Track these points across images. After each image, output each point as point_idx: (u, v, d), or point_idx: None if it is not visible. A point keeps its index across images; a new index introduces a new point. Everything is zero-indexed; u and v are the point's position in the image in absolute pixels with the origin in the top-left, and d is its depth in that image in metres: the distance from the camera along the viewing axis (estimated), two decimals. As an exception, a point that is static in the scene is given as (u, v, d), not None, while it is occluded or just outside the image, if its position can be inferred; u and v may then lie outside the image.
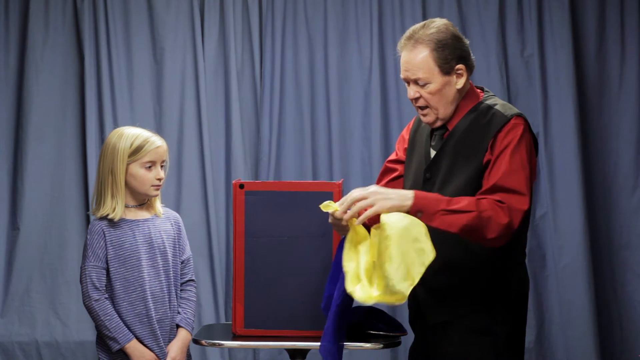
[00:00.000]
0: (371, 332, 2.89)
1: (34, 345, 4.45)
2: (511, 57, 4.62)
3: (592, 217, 4.57)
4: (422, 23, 2.76)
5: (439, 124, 2.76)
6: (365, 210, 2.56)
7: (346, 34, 4.62)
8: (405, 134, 2.94)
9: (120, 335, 2.96)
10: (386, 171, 2.97)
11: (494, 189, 2.59)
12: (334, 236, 2.84)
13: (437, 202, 2.57)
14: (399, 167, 2.93)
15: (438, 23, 2.73)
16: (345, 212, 2.59)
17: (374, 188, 2.59)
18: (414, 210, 2.56)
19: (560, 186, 4.55)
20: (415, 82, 2.70)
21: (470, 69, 2.75)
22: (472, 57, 2.76)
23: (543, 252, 4.57)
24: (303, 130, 4.61)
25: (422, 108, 2.74)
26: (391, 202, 2.55)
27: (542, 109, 4.58)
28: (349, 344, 2.77)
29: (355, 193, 2.58)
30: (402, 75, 2.74)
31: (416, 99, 2.73)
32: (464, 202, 2.56)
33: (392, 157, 2.97)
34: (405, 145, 2.92)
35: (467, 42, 2.75)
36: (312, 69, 4.62)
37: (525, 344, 4.42)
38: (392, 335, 2.86)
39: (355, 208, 2.57)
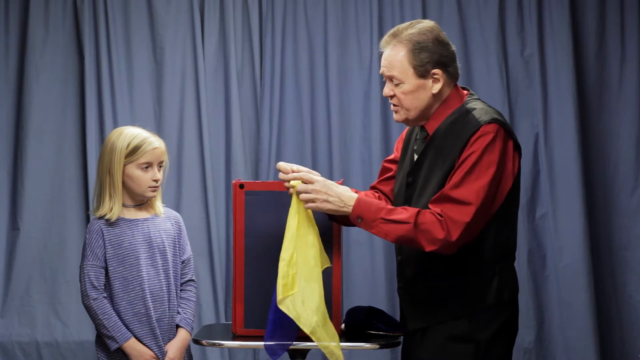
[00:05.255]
0: (371, 332, 2.89)
1: (34, 345, 4.45)
2: (511, 57, 4.62)
3: (592, 217, 4.57)
4: (409, 22, 2.74)
5: (410, 124, 2.77)
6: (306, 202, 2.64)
7: (346, 34, 4.62)
8: (404, 134, 2.95)
9: (119, 334, 2.96)
10: (382, 171, 2.98)
11: (441, 198, 2.60)
12: (334, 236, 2.84)
13: (378, 211, 2.61)
14: (394, 167, 2.93)
15: (423, 24, 2.71)
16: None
17: (319, 185, 2.64)
18: (354, 216, 2.62)
19: (560, 186, 4.55)
20: (390, 79, 2.71)
21: (451, 75, 2.71)
22: (457, 64, 2.72)
23: (543, 252, 4.56)
24: (303, 130, 4.61)
25: (394, 105, 2.74)
26: (330, 205, 2.63)
27: (542, 109, 4.58)
28: (349, 344, 2.77)
29: (301, 186, 2.64)
30: (380, 71, 2.75)
31: (390, 97, 2.73)
32: (404, 213, 2.60)
33: (390, 156, 2.98)
34: (402, 145, 2.93)
35: (452, 48, 2.72)
36: (312, 69, 4.62)
37: (525, 344, 4.47)
38: (392, 335, 2.86)
39: (301, 197, 2.64)
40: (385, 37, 2.73)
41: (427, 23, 2.72)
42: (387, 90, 2.73)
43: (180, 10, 4.59)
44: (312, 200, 2.63)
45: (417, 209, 2.60)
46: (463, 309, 2.67)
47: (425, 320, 2.72)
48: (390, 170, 2.94)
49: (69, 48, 4.57)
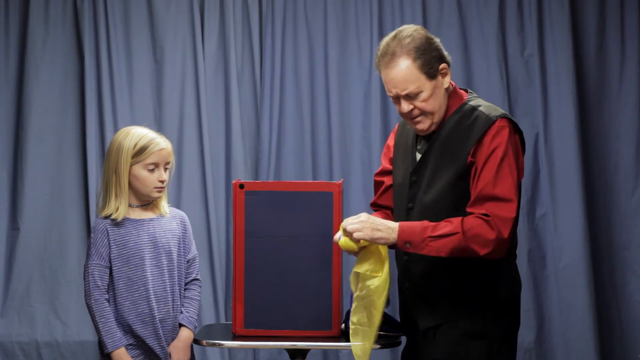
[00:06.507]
0: (371, 332, 2.88)
1: (34, 345, 4.45)
2: (511, 57, 4.62)
3: (592, 217, 4.57)
4: (392, 35, 2.72)
5: (433, 128, 2.73)
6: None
7: (346, 34, 4.62)
8: (390, 141, 2.94)
9: (110, 341, 2.95)
10: (376, 185, 2.98)
11: (482, 198, 2.60)
12: (333, 236, 2.84)
13: (423, 230, 2.59)
14: (386, 178, 2.93)
15: (409, 30, 2.70)
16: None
17: (364, 217, 2.62)
18: (402, 242, 2.60)
19: (560, 186, 4.55)
20: (407, 96, 2.68)
21: (449, 64, 2.73)
22: (446, 52, 2.74)
23: (543, 252, 4.56)
24: (303, 130, 4.61)
25: (416, 117, 2.71)
26: (380, 233, 2.61)
27: (542, 109, 4.58)
28: (349, 344, 2.77)
29: (349, 226, 2.61)
30: (389, 94, 2.71)
31: (410, 112, 2.70)
32: (449, 225, 2.58)
33: (379, 169, 2.97)
34: (391, 155, 2.92)
35: (437, 40, 2.73)
36: (312, 69, 4.62)
37: (525, 344, 4.47)
38: (392, 335, 2.86)
39: (349, 228, 2.62)
40: (378, 57, 2.70)
41: (411, 27, 2.72)
42: (405, 107, 2.69)
43: (180, 10, 4.59)
44: (360, 230, 2.60)
45: (460, 218, 2.59)
46: (477, 304, 2.69)
47: (439, 318, 2.72)
48: (382, 182, 2.95)
49: (69, 48, 4.57)
